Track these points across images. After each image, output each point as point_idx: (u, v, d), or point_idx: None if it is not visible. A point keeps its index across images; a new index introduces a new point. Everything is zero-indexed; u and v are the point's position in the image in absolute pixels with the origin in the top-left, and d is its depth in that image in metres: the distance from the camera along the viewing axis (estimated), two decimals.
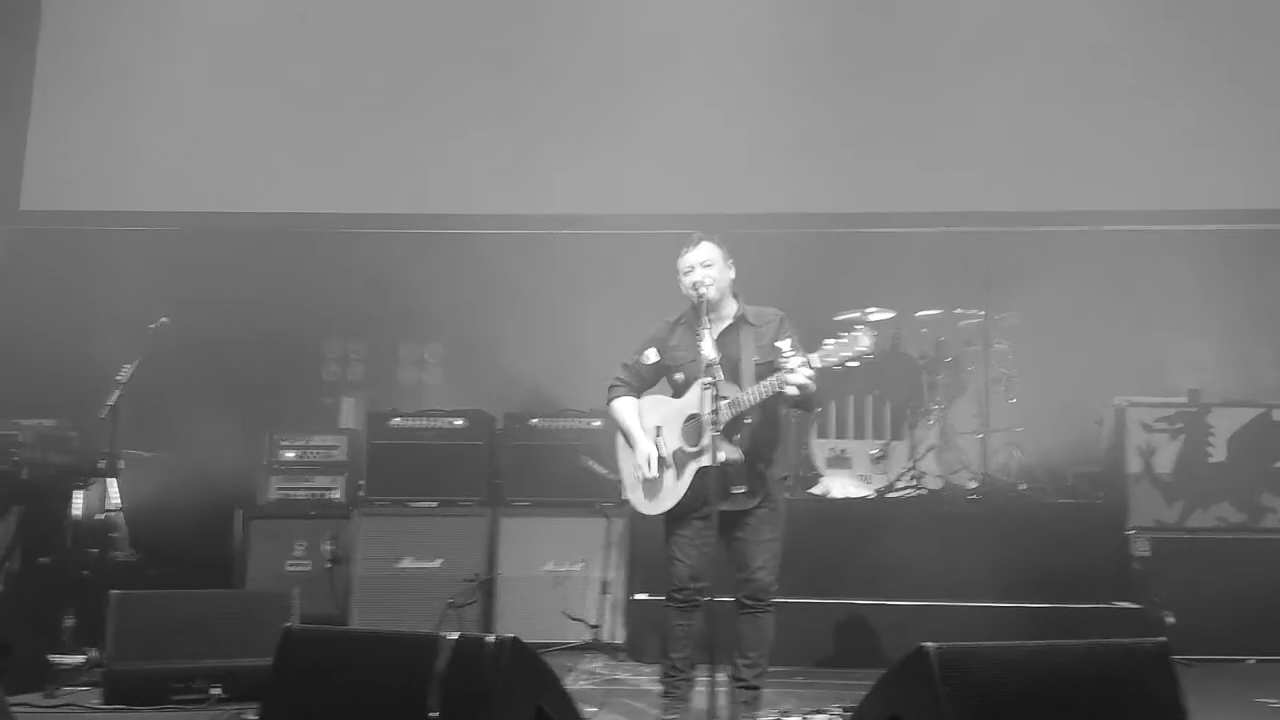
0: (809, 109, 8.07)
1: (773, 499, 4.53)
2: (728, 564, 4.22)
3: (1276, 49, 8.03)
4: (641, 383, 4.68)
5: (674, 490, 4.47)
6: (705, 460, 4.31)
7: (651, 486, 4.54)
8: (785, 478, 4.77)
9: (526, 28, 8.49)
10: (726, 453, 4.18)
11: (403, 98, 8.48)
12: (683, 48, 8.09)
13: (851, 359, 4.16)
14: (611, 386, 4.69)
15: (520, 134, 8.31)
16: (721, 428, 4.15)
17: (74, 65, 8.72)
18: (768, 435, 4.51)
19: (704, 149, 8.02)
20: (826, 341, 4.20)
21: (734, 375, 4.37)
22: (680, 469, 4.46)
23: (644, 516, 4.66)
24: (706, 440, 4.27)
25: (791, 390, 4.19)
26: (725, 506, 4.26)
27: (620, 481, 4.72)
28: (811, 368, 4.17)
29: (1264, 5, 8.19)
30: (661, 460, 4.51)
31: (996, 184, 8.08)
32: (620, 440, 4.71)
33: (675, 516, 4.52)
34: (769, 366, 4.35)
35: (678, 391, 4.58)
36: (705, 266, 4.50)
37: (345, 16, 8.59)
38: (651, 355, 4.65)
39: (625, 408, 4.65)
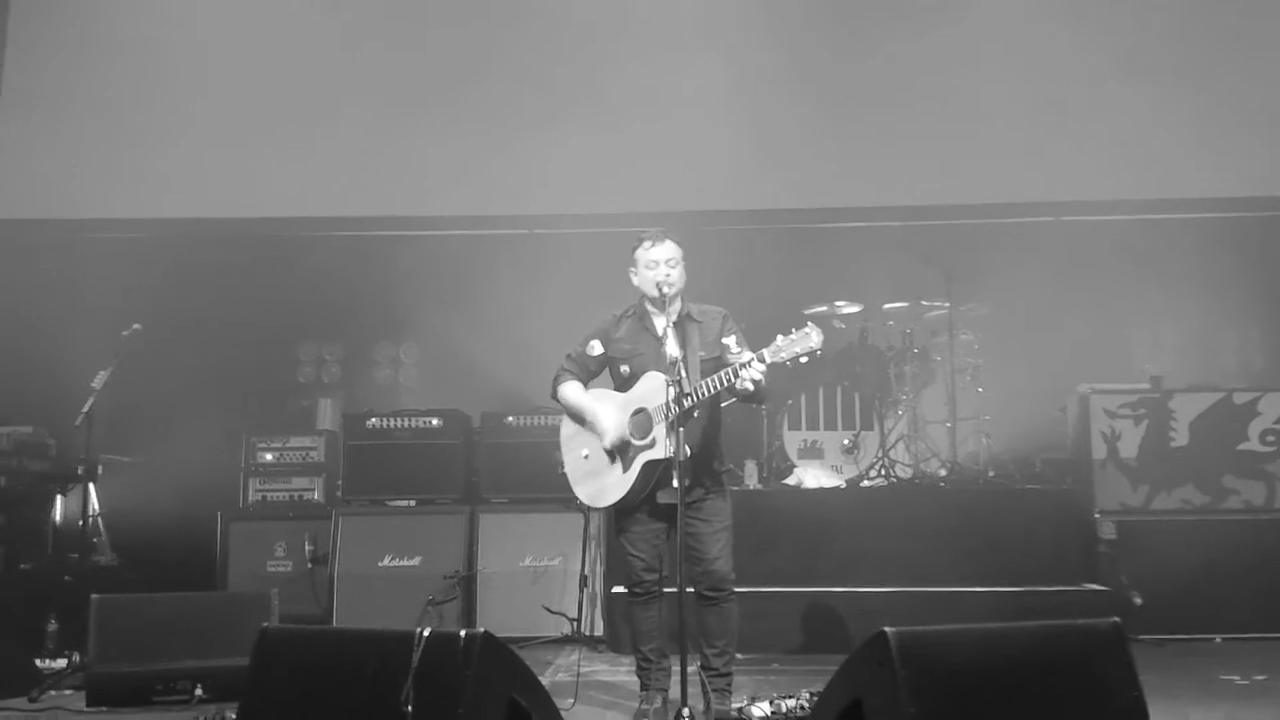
0: (772, 106, 8.14)
1: (720, 488, 4.64)
2: (677, 557, 4.20)
3: (1233, 40, 8.15)
4: (586, 374, 4.73)
5: (621, 483, 4.52)
6: (655, 453, 4.40)
7: (598, 479, 4.58)
8: (729, 469, 4.85)
9: (494, 33, 8.53)
10: (676, 444, 4.21)
11: (373, 102, 8.51)
12: (645, 49, 8.15)
13: (802, 355, 4.24)
14: (556, 376, 4.73)
15: (491, 135, 8.34)
16: (677, 421, 4.21)
17: (40, 73, 8.70)
18: (712, 429, 4.61)
19: (671, 148, 8.06)
20: (778, 337, 4.28)
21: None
22: (626, 463, 4.52)
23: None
24: (657, 433, 4.37)
25: (747, 385, 4.28)
26: (670, 500, 4.33)
27: (565, 475, 4.73)
28: (763, 362, 4.25)
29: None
30: (607, 453, 4.57)
31: (959, 177, 8.18)
32: (566, 431, 4.74)
33: (623, 511, 4.60)
34: (715, 362, 4.46)
35: (622, 385, 4.63)
36: (671, 265, 4.59)
37: (314, 22, 8.59)
38: (596, 347, 4.70)
39: (576, 390, 4.69)
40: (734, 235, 7.87)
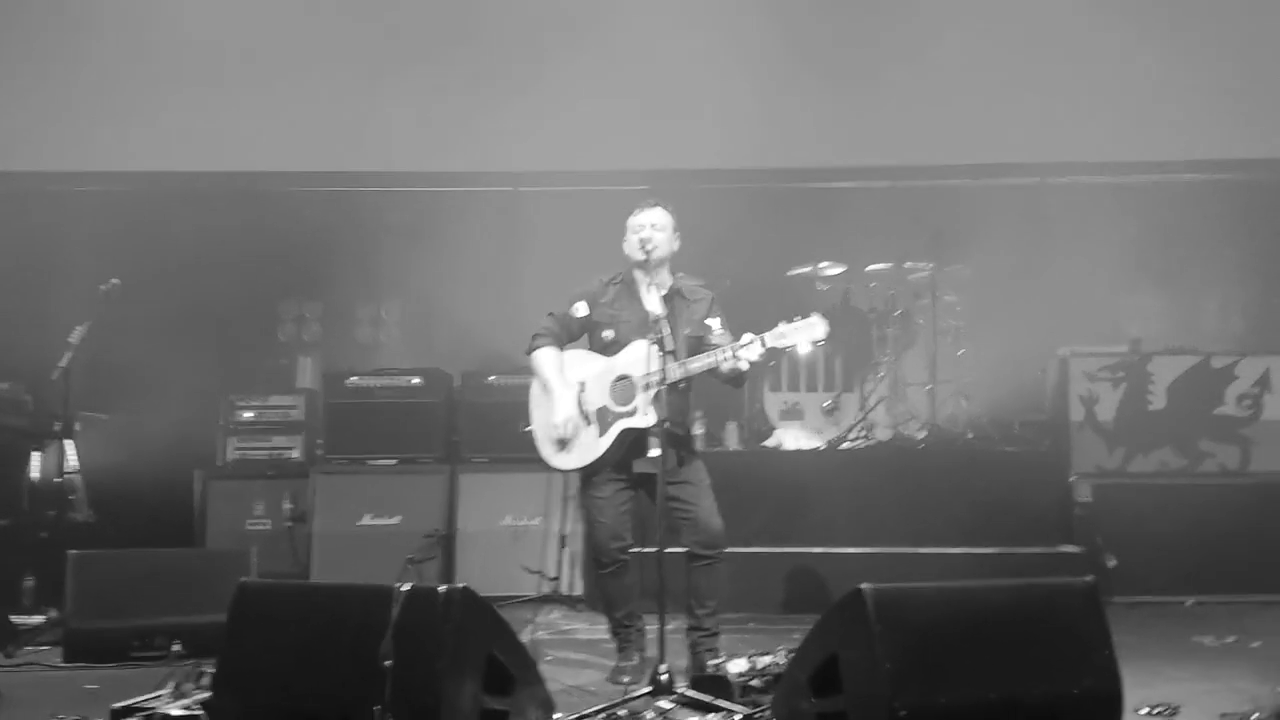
0: (758, 64, 8.03)
1: (692, 451, 4.67)
2: (660, 524, 4.17)
3: (1214, 2, 8.11)
4: (567, 335, 4.70)
5: (593, 447, 4.51)
6: (635, 421, 4.40)
7: (568, 441, 4.55)
8: (699, 433, 4.87)
9: None
10: (658, 413, 4.21)
11: (353, 57, 8.38)
12: (632, 7, 8.04)
13: (803, 343, 4.25)
14: (535, 336, 4.69)
15: (475, 91, 8.25)
16: (663, 388, 4.20)
17: (24, 23, 8.55)
18: (687, 397, 4.63)
19: (656, 106, 8.01)
20: (780, 324, 4.27)
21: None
22: (604, 427, 4.50)
23: None
24: (640, 401, 4.37)
25: (743, 366, 4.28)
26: (647, 469, 4.34)
27: (533, 434, 4.70)
28: (763, 346, 4.24)
29: None
30: (584, 415, 4.54)
31: (945, 137, 8.13)
32: (535, 391, 4.72)
33: (591, 476, 4.59)
34: (697, 340, 4.49)
35: (605, 349, 4.61)
36: (656, 229, 4.58)
37: None
38: (581, 309, 4.68)
39: (548, 359, 4.64)
40: (719, 194, 7.82)
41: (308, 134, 8.34)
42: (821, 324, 4.25)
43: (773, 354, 4.32)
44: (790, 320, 4.27)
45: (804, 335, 4.26)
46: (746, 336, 4.28)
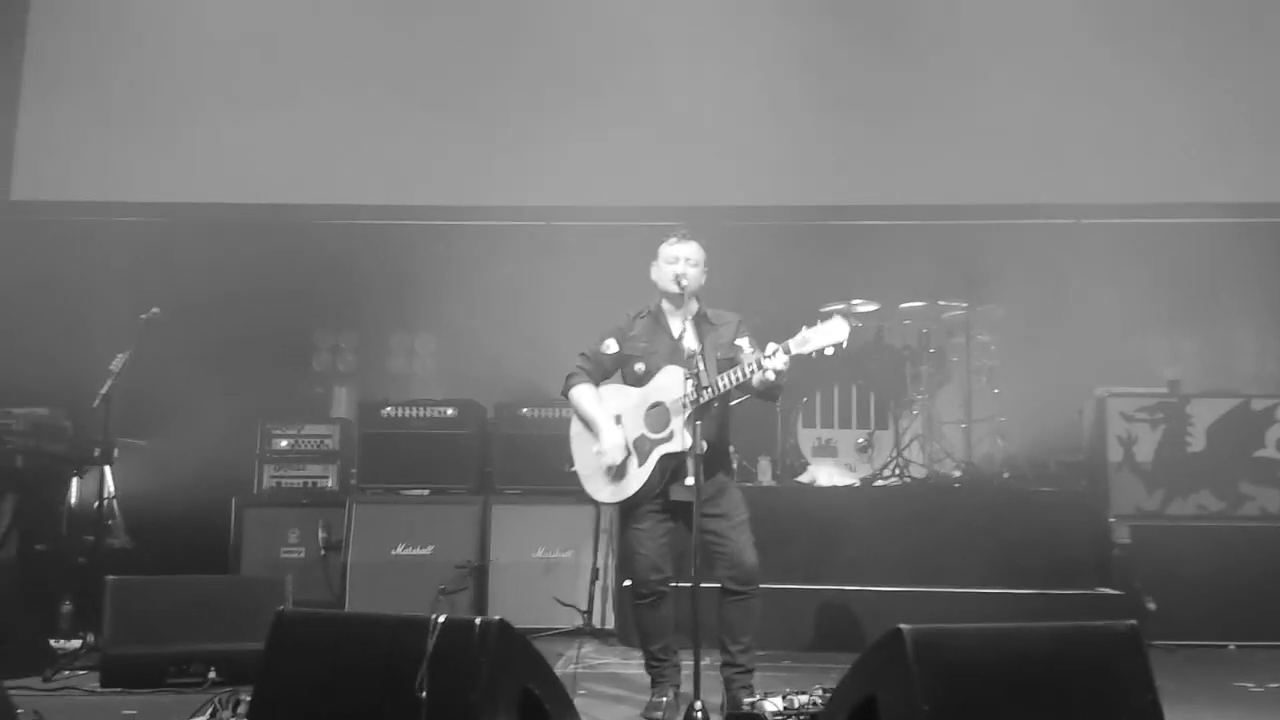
0: (793, 102, 8.11)
1: (733, 478, 4.69)
2: (694, 554, 4.13)
3: (1256, 46, 8.10)
4: (601, 372, 4.71)
5: (636, 477, 4.51)
6: (672, 446, 4.40)
7: (612, 474, 4.56)
8: (736, 466, 4.83)
9: (512, 22, 8.55)
10: (693, 437, 4.20)
11: (393, 91, 8.50)
12: (670, 42, 8.13)
13: (827, 347, 4.22)
14: (569, 376, 4.71)
15: (511, 125, 8.37)
16: (696, 414, 4.21)
17: (64, 54, 8.73)
18: (725, 420, 4.65)
19: (692, 142, 8.08)
20: (803, 329, 4.25)
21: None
22: (643, 456, 4.50)
23: None
24: (675, 426, 4.37)
25: (770, 375, 4.27)
26: (685, 497, 4.32)
27: (576, 471, 4.71)
28: (788, 353, 4.24)
29: (1244, 4, 8.27)
30: (624, 447, 4.54)
31: (980, 177, 8.16)
32: (576, 429, 4.73)
33: (632, 508, 4.58)
34: (728, 363, 4.48)
35: (637, 382, 4.63)
36: (690, 264, 4.60)
37: (336, 11, 8.64)
38: (611, 345, 4.70)
39: (586, 394, 4.66)
40: (753, 231, 7.84)
41: (344, 167, 8.47)
42: (844, 324, 4.22)
43: (800, 360, 4.28)
44: (812, 325, 4.26)
45: (827, 337, 4.22)
46: (770, 346, 4.28)
